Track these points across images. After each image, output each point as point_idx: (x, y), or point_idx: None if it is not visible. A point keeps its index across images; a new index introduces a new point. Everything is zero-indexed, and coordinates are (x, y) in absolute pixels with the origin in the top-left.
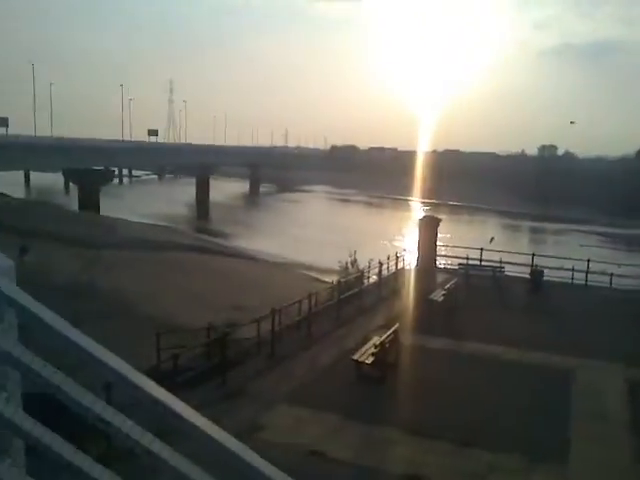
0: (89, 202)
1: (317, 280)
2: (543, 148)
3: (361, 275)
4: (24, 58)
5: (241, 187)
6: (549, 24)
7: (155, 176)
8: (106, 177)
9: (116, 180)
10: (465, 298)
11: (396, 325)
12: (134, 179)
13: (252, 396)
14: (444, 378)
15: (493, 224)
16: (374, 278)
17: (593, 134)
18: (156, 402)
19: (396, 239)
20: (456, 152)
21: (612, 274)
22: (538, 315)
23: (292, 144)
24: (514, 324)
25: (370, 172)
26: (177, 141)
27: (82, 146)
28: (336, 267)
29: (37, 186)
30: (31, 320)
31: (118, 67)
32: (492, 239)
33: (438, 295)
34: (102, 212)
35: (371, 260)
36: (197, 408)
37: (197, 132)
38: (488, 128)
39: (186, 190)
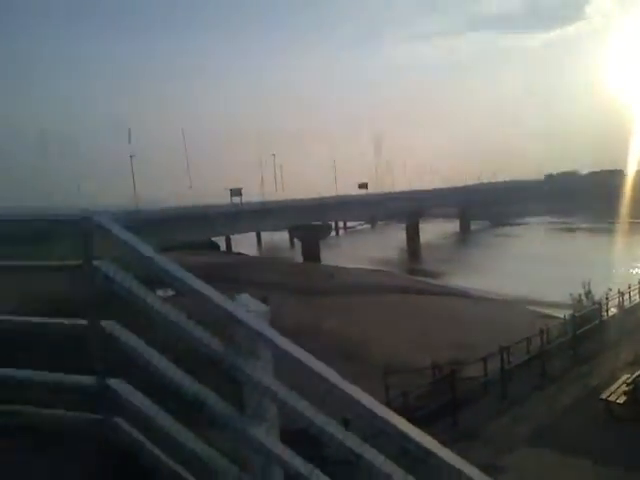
0: (311, 254)
1: (545, 316)
2: None
3: (599, 307)
4: (251, 134)
5: (451, 227)
6: None
7: (368, 225)
8: (324, 230)
9: (333, 232)
10: None
11: None
12: (349, 230)
13: (487, 437)
14: None
15: None
16: (613, 310)
17: None
18: (404, 436)
19: (635, 266)
20: None
21: None
22: None
23: (502, 178)
24: None
25: (594, 197)
26: (386, 191)
27: (302, 206)
28: (566, 301)
29: (267, 244)
30: (283, 356)
31: (328, 133)
32: None
33: None
34: (323, 261)
35: (609, 290)
36: None
37: (403, 181)
38: None
39: (397, 235)
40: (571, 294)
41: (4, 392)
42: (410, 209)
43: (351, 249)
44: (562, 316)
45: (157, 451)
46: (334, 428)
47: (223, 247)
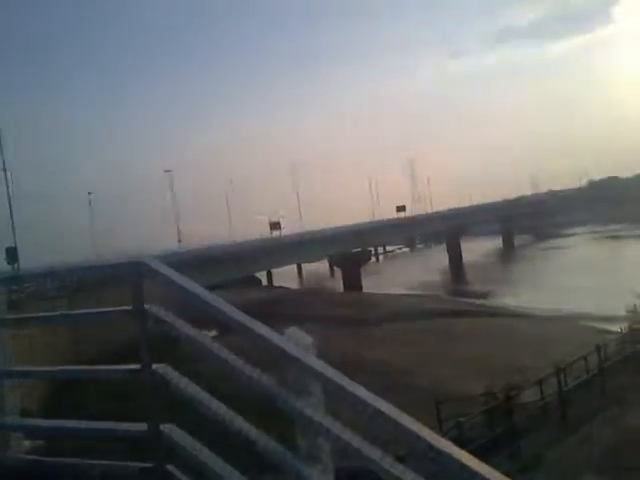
0: (352, 282)
1: (600, 331)
2: None
3: None
4: (284, 166)
5: (494, 243)
6: None
7: (407, 249)
8: (364, 257)
9: (373, 258)
10: None
11: None
12: (388, 254)
13: (551, 465)
14: None
15: None
16: None
17: None
18: (468, 471)
19: None
20: None
21: None
22: None
23: (543, 189)
24: None
25: (638, 202)
26: (424, 212)
27: (340, 233)
28: (621, 313)
29: (308, 274)
30: (336, 391)
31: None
32: None
33: None
34: (365, 289)
35: None
36: None
37: (441, 199)
38: None
39: (438, 257)
40: (626, 306)
41: (54, 443)
42: (450, 228)
43: (392, 275)
44: (618, 329)
45: None
46: (391, 464)
47: (265, 281)
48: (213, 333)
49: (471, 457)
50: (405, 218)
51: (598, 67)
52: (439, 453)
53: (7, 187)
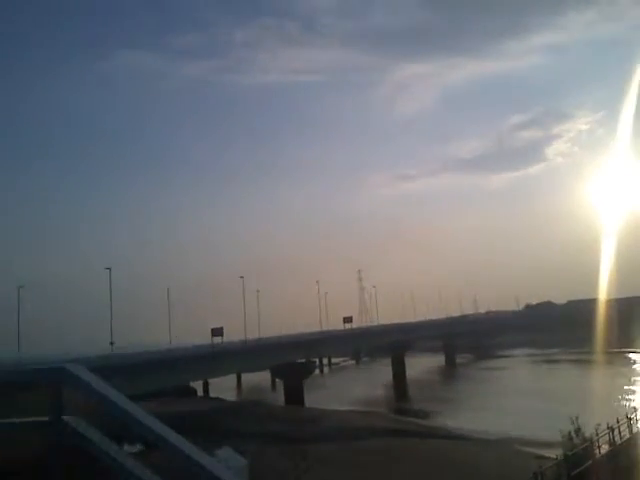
0: (294, 395)
1: (537, 457)
2: None
3: (590, 445)
4: (236, 274)
5: (437, 360)
6: None
7: (353, 361)
8: (308, 368)
9: (317, 370)
10: None
11: None
12: (333, 366)
13: None
14: None
15: None
16: (605, 447)
17: None
18: None
19: (623, 398)
20: None
21: None
22: None
23: (483, 309)
24: None
25: (572, 327)
26: (369, 324)
27: (284, 343)
28: (557, 438)
29: (248, 385)
30: None
31: (311, 264)
32: None
33: None
34: (307, 403)
35: (598, 425)
36: None
37: (387, 312)
38: None
39: (382, 370)
40: (560, 431)
41: None
42: (395, 342)
43: (336, 388)
44: (554, 456)
45: None
46: None
47: (200, 391)
48: (138, 448)
49: None
50: (352, 330)
51: (533, 198)
52: None
53: None
